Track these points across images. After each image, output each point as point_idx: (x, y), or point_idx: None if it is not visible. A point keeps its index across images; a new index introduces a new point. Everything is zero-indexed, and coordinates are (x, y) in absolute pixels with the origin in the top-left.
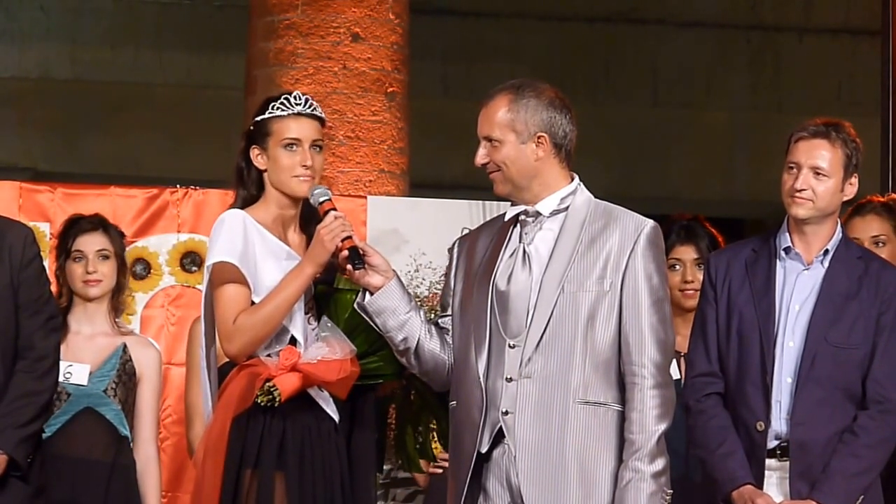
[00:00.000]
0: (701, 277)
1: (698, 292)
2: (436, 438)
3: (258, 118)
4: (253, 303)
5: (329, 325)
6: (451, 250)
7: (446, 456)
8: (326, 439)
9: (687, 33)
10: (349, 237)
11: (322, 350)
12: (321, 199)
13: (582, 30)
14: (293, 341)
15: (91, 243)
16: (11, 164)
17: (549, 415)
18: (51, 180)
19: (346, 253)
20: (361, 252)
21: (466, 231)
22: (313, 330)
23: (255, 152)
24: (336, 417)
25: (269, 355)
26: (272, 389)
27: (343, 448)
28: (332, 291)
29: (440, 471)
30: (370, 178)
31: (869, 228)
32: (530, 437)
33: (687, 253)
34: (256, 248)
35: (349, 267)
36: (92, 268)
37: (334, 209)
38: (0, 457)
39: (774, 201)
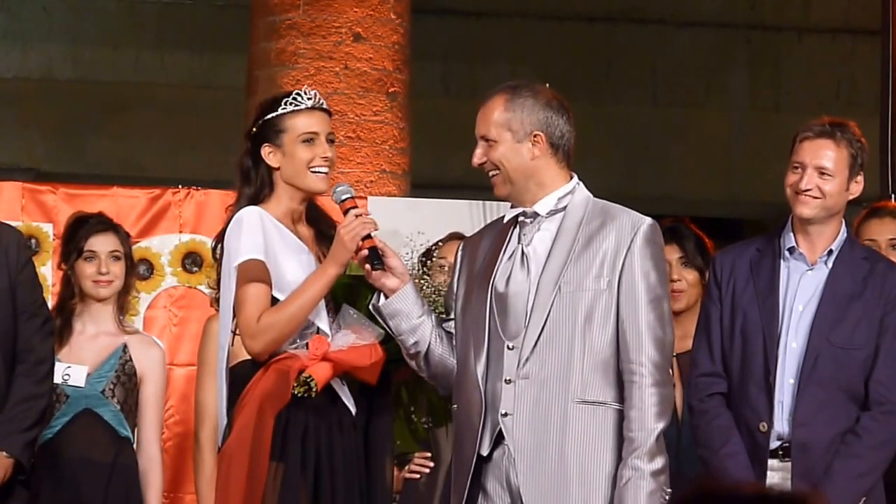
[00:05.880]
0: (687, 276)
1: (683, 293)
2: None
3: (269, 116)
4: (275, 299)
5: (351, 312)
6: (455, 255)
7: (420, 461)
8: (348, 431)
9: (687, 33)
10: (370, 236)
11: (350, 337)
12: (343, 197)
13: (582, 30)
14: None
15: (104, 244)
16: (14, 165)
17: (548, 415)
18: (53, 181)
19: (365, 252)
20: (380, 252)
21: (463, 235)
22: (332, 322)
23: (266, 150)
24: (353, 410)
25: (296, 348)
26: (308, 380)
27: (360, 440)
28: (347, 280)
29: (417, 476)
30: (371, 178)
31: (886, 231)
32: (529, 438)
33: (672, 252)
34: (275, 244)
35: (367, 267)
36: (105, 268)
37: (355, 207)
38: (7, 460)
39: (774, 201)
